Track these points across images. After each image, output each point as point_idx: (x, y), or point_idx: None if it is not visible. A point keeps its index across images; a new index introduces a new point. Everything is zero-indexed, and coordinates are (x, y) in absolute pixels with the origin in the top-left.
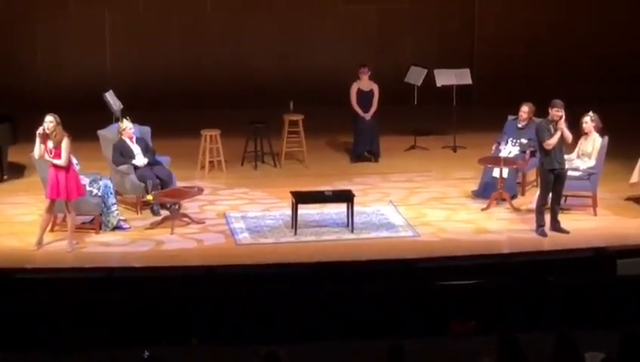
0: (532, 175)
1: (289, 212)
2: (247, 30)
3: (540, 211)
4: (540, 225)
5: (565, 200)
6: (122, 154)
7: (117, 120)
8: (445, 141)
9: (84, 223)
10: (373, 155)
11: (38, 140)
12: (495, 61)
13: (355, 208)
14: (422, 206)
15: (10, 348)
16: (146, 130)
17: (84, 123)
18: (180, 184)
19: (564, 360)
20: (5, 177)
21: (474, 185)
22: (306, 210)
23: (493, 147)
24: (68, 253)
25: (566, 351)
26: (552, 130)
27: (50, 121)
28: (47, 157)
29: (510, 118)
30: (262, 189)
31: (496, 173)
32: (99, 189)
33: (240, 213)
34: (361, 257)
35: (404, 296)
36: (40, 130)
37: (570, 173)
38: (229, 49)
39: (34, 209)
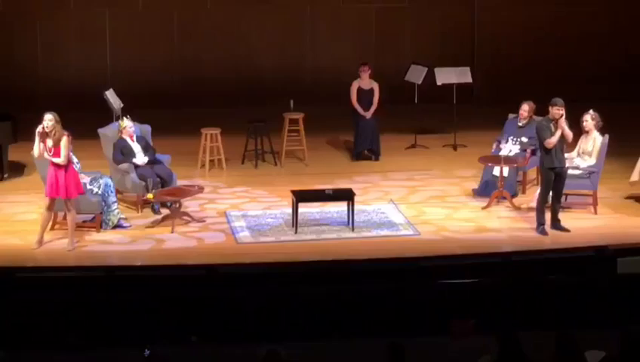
0: (532, 173)
1: (289, 210)
2: (247, 28)
3: (540, 210)
4: (541, 223)
5: (566, 199)
6: (123, 152)
7: (117, 118)
8: (446, 139)
9: (84, 222)
10: (373, 154)
11: (37, 139)
12: (495, 59)
13: (356, 207)
14: (422, 204)
15: (10, 347)
16: (147, 128)
17: (85, 121)
18: (180, 182)
19: (564, 358)
20: (6, 176)
21: (474, 184)
22: (307, 209)
23: (494, 145)
24: (68, 252)
25: (566, 349)
26: (553, 128)
27: (49, 120)
28: (46, 155)
29: (511, 116)
30: (262, 188)
31: (496, 171)
32: (99, 188)
33: (240, 211)
34: (361, 256)
35: (404, 295)
36: (39, 129)
37: (570, 171)
38: (229, 47)
39: (34, 207)
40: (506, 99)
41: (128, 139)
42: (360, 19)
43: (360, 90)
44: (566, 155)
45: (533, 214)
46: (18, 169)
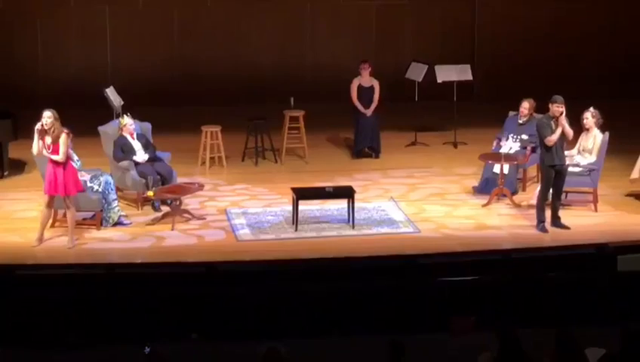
0: (533, 171)
1: (290, 208)
2: (247, 26)
3: (540, 207)
4: (541, 221)
5: (566, 196)
6: (123, 150)
7: (117, 116)
8: (446, 137)
9: (85, 219)
10: (373, 151)
11: (36, 136)
12: (496, 57)
13: (356, 204)
14: (422, 202)
15: (10, 345)
16: (147, 126)
17: (85, 119)
18: (180, 180)
19: (564, 356)
20: (6, 173)
21: (475, 181)
22: (307, 206)
23: (494, 143)
24: (69, 249)
25: (567, 347)
26: (553, 126)
27: (48, 117)
28: (45, 152)
29: (511, 113)
30: (262, 185)
31: (496, 169)
32: (99, 185)
33: (241, 209)
34: (361, 253)
35: (404, 292)
36: (38, 126)
37: (570, 169)
38: (229, 45)
39: (35, 205)
40: (507, 96)
41: (128, 137)
42: (360, 17)
43: (360, 87)
44: (566, 153)
45: (534, 212)
46: (18, 166)
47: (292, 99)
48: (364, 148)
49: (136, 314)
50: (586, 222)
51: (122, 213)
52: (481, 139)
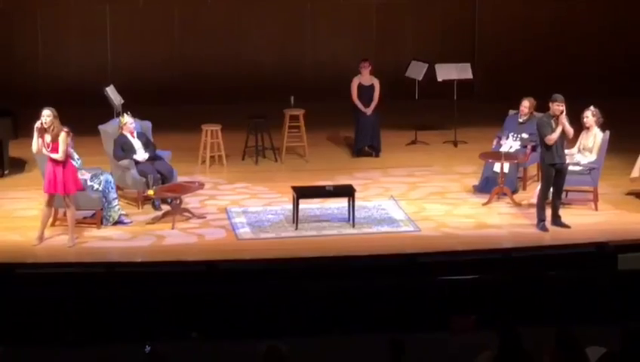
0: (533, 170)
1: (290, 207)
2: (247, 25)
3: (541, 206)
4: (541, 219)
5: (566, 195)
6: (123, 149)
7: (118, 115)
8: (446, 136)
9: (85, 218)
10: (374, 150)
11: (35, 134)
12: (496, 55)
13: (356, 203)
14: (423, 200)
15: (10, 343)
16: (147, 124)
17: (85, 118)
18: (180, 179)
19: (565, 354)
20: (6, 172)
21: (475, 180)
22: (307, 205)
23: (494, 142)
24: (69, 248)
25: (567, 345)
26: (554, 124)
27: (47, 115)
28: (44, 151)
29: (511, 112)
30: (263, 184)
31: (497, 167)
32: (100, 184)
33: (241, 207)
34: (361, 252)
35: (404, 291)
36: (37, 124)
37: (571, 167)
38: (229, 44)
39: (35, 204)
40: (507, 95)
41: (129, 136)
42: (360, 16)
43: (360, 86)
44: (566, 151)
45: (534, 210)
46: (19, 165)
47: (292, 98)
48: (365, 146)
49: (136, 312)
50: (586, 220)
51: (122, 212)
52: (481, 137)
